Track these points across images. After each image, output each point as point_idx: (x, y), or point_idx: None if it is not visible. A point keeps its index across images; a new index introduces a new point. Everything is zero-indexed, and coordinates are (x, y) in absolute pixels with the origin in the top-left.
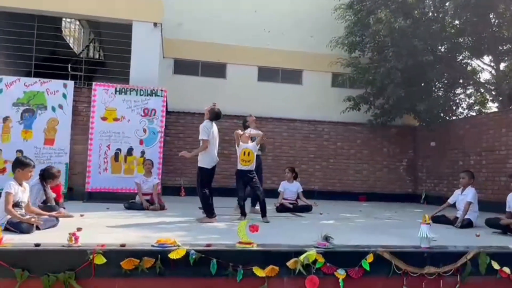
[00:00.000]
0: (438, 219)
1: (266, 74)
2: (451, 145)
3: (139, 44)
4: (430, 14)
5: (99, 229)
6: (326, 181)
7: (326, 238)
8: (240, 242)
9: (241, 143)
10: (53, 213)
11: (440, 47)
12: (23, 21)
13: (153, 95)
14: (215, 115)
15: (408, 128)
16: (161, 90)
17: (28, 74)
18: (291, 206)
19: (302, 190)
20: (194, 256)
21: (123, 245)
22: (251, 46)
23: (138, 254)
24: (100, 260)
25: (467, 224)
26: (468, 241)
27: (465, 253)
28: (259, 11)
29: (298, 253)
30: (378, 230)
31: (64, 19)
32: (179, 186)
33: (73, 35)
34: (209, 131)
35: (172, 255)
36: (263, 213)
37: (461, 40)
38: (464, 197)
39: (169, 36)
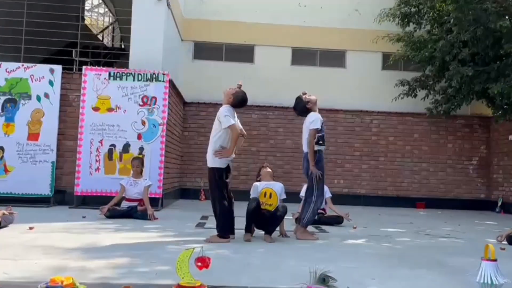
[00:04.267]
0: None
1: (302, 56)
2: None
3: (140, 21)
4: None
5: (14, 251)
6: (375, 184)
7: (323, 280)
8: (179, 286)
9: (257, 183)
10: None
11: None
12: None
13: (154, 80)
14: (241, 101)
15: (480, 118)
16: (163, 74)
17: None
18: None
19: (331, 195)
20: None
21: None
22: (283, 24)
23: None
24: None
25: None
26: None
27: None
28: None
29: None
30: (422, 259)
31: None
32: (199, 189)
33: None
34: (233, 115)
35: None
36: (270, 230)
37: None
38: None
39: (188, 16)
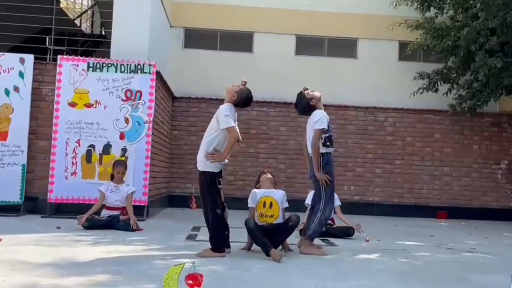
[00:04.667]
0: None
1: (307, 45)
2: None
3: (123, 4)
4: None
5: None
6: (390, 191)
7: None
8: None
9: (256, 190)
10: None
11: None
12: None
13: (139, 71)
14: (245, 100)
15: (509, 115)
16: (149, 65)
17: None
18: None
19: (340, 203)
20: None
21: None
22: (286, 8)
23: None
24: None
25: None
26: None
27: None
28: None
29: None
30: (443, 276)
31: None
32: (190, 196)
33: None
34: (234, 116)
35: None
36: (275, 241)
37: None
38: None
39: None
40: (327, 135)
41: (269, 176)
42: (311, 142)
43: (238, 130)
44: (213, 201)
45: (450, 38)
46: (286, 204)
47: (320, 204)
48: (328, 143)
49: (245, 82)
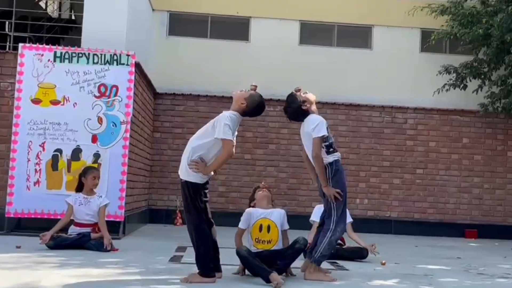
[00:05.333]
0: None
1: (314, 33)
2: None
3: None
4: None
5: None
6: (410, 206)
7: None
8: None
9: (251, 209)
10: None
11: None
12: None
13: (114, 63)
14: (257, 109)
15: None
16: (127, 56)
17: None
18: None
19: (351, 220)
20: None
21: None
22: None
23: None
24: None
25: None
26: None
27: None
28: None
29: None
30: None
31: None
32: (175, 210)
33: None
34: (235, 128)
35: None
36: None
37: None
38: None
39: None
40: (327, 143)
41: (266, 193)
42: (313, 154)
43: (234, 146)
44: (198, 216)
45: (481, 25)
46: (286, 226)
47: (330, 223)
48: (331, 149)
49: (255, 87)
